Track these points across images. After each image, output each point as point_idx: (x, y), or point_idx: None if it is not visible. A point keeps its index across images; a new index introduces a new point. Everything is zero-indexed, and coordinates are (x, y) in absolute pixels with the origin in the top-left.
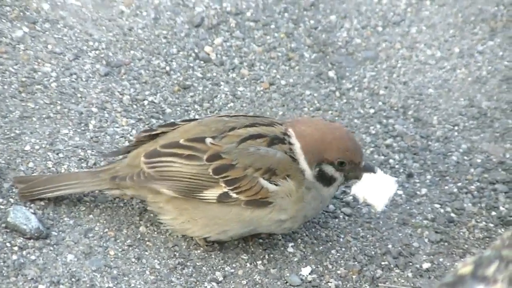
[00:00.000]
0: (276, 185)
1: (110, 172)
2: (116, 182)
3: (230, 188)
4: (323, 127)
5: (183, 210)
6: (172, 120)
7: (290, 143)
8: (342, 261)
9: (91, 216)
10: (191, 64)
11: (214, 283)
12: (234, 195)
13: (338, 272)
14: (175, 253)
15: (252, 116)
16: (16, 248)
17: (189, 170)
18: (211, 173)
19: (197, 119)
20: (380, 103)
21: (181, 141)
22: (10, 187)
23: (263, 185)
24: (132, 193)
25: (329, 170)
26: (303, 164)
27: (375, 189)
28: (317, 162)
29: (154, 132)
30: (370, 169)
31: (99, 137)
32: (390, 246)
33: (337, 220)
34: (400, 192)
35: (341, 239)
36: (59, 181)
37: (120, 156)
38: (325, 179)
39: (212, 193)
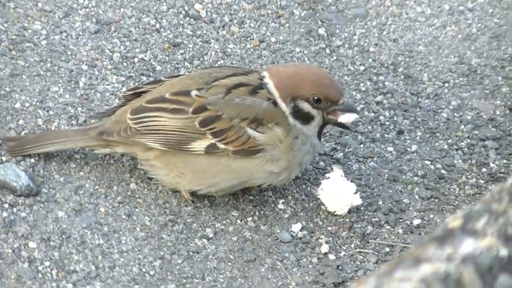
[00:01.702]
0: (263, 134)
1: (98, 129)
2: (104, 138)
3: (217, 139)
4: (298, 65)
5: (172, 165)
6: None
7: (267, 88)
8: (332, 218)
9: (81, 173)
10: (181, 22)
11: (204, 240)
12: (222, 146)
13: (329, 228)
14: (166, 210)
15: (235, 67)
16: (6, 205)
17: (175, 124)
18: (197, 126)
19: (182, 74)
20: (370, 60)
21: (167, 95)
22: (0, 145)
23: (251, 135)
24: (122, 151)
25: (305, 106)
26: (279, 102)
27: (335, 195)
28: (291, 97)
29: (140, 89)
30: (351, 109)
31: (89, 95)
32: (380, 202)
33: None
34: (390, 148)
35: None
36: (48, 139)
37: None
38: (302, 117)
39: (199, 145)
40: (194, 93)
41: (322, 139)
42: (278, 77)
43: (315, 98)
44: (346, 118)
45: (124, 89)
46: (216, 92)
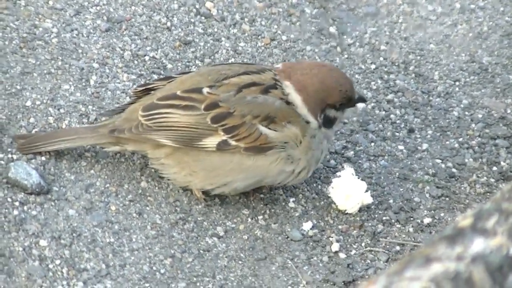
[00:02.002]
0: (276, 131)
1: (108, 126)
2: (115, 135)
3: (229, 135)
4: (318, 72)
5: (183, 163)
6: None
7: (283, 89)
8: (343, 216)
9: (92, 171)
10: (192, 20)
11: (215, 238)
12: (233, 143)
13: (339, 227)
14: (176, 208)
15: (246, 63)
16: (17, 204)
17: (187, 120)
18: (209, 122)
19: (192, 71)
20: (381, 58)
21: (178, 93)
22: (11, 143)
23: (262, 132)
24: (132, 149)
25: (332, 113)
26: (306, 114)
27: (346, 193)
28: (321, 109)
29: (150, 86)
30: (362, 99)
31: (100, 93)
32: (391, 201)
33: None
34: (401, 147)
35: None
36: (58, 136)
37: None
38: (329, 122)
39: (211, 141)
40: (205, 90)
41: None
42: (306, 93)
43: (340, 103)
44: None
45: (135, 87)
46: (227, 89)
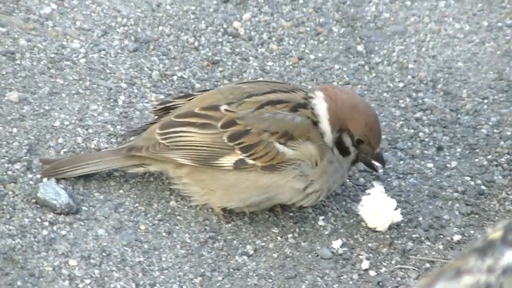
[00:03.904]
0: (293, 149)
1: (129, 146)
2: (133, 153)
3: (246, 154)
4: (357, 98)
5: (202, 182)
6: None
7: (312, 108)
8: (372, 234)
9: (121, 191)
10: (220, 39)
11: (245, 257)
12: (250, 162)
13: (369, 245)
14: (206, 227)
15: (274, 82)
16: (46, 223)
17: (203, 139)
18: (226, 140)
19: (212, 89)
20: (409, 77)
21: (196, 110)
22: (40, 164)
23: (279, 150)
24: (155, 169)
25: (347, 141)
26: (325, 125)
27: (375, 211)
28: (340, 127)
29: (170, 104)
30: (381, 161)
31: (128, 113)
32: (420, 218)
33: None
34: (430, 165)
35: None
36: (82, 160)
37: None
38: (341, 148)
39: (228, 161)
40: (223, 108)
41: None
42: (335, 103)
43: (359, 139)
44: (374, 164)
45: (155, 104)
46: (246, 107)
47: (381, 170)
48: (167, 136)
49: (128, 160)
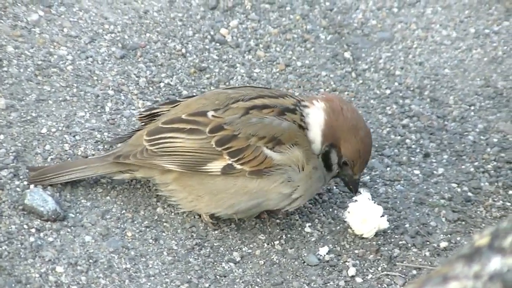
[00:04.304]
0: (281, 154)
1: (115, 153)
2: (120, 161)
3: (234, 159)
4: (361, 121)
5: (189, 188)
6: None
7: (302, 115)
8: (359, 241)
9: (108, 197)
10: (207, 46)
11: (231, 264)
12: (238, 166)
13: (356, 251)
14: (193, 234)
15: (261, 87)
16: (33, 230)
17: (191, 144)
18: (214, 145)
19: (197, 95)
20: (396, 83)
21: (183, 116)
22: (27, 170)
23: (267, 155)
24: (141, 175)
25: (333, 158)
26: (316, 135)
27: (362, 218)
28: (331, 143)
29: (155, 110)
30: (355, 187)
31: (116, 119)
32: (407, 225)
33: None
34: (417, 172)
35: None
36: (68, 167)
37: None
38: (325, 162)
39: (216, 166)
40: (210, 113)
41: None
42: (337, 117)
43: (344, 161)
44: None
45: (140, 111)
46: (233, 112)
47: (368, 177)
48: (155, 142)
49: (114, 167)
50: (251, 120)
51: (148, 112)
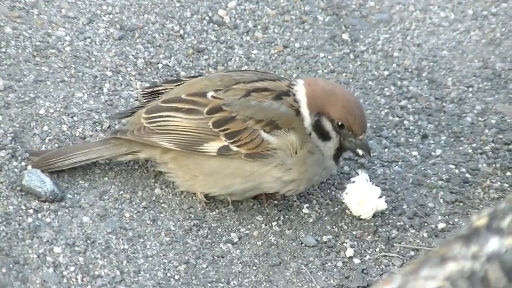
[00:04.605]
0: (278, 138)
1: (114, 130)
2: (117, 136)
3: (230, 141)
4: (337, 85)
5: (185, 167)
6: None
7: (294, 94)
8: (357, 222)
9: (106, 178)
10: (205, 28)
11: (229, 244)
12: (235, 148)
13: (354, 232)
14: (190, 214)
15: (262, 72)
16: (31, 211)
17: (188, 124)
18: (211, 126)
19: (201, 75)
20: (394, 65)
21: (183, 96)
22: (25, 151)
23: (264, 138)
24: (144, 156)
25: (327, 125)
26: (304, 109)
27: (360, 199)
28: (318, 111)
29: (158, 88)
30: (365, 149)
31: (114, 101)
32: (405, 206)
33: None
34: (415, 153)
35: None
36: (70, 151)
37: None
38: (320, 132)
39: (212, 146)
40: (210, 94)
41: (341, 163)
42: (313, 87)
43: (339, 123)
44: (359, 152)
45: (143, 87)
46: (233, 94)
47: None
48: (153, 120)
49: (117, 149)
50: (249, 103)
51: (151, 89)
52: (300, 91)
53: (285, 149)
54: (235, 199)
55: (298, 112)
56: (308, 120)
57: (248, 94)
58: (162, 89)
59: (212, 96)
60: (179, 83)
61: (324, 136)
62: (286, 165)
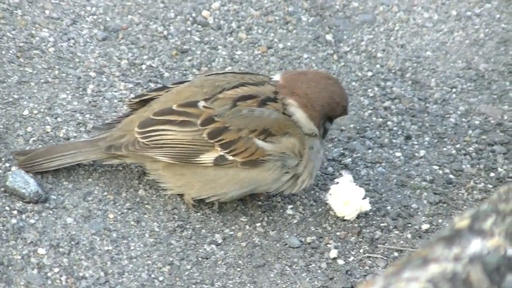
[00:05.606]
0: (273, 144)
1: (107, 140)
2: (112, 152)
3: (226, 151)
4: (325, 87)
5: (180, 176)
6: (163, 84)
7: (283, 103)
8: (341, 223)
9: (90, 179)
10: (189, 28)
11: (213, 245)
12: (230, 158)
13: (338, 233)
14: (174, 216)
15: (240, 73)
16: (15, 212)
17: (183, 137)
18: (206, 138)
19: (187, 81)
20: (378, 66)
21: (174, 107)
22: (10, 153)
23: (259, 146)
24: (131, 161)
25: (328, 125)
26: (313, 129)
27: (344, 200)
28: (323, 122)
29: (146, 97)
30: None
31: (97, 101)
32: (389, 207)
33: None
34: (398, 154)
35: None
36: (57, 151)
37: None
38: (325, 133)
39: (208, 157)
40: (201, 104)
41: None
42: (313, 109)
43: (336, 116)
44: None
45: (132, 96)
46: (221, 103)
47: (349, 159)
48: (147, 135)
49: (103, 153)
50: (241, 113)
51: (138, 99)
52: (300, 113)
53: (285, 152)
54: (224, 201)
55: (289, 116)
56: (312, 128)
57: (234, 104)
58: (149, 98)
59: (204, 106)
60: (166, 90)
61: (326, 132)
62: (292, 167)
